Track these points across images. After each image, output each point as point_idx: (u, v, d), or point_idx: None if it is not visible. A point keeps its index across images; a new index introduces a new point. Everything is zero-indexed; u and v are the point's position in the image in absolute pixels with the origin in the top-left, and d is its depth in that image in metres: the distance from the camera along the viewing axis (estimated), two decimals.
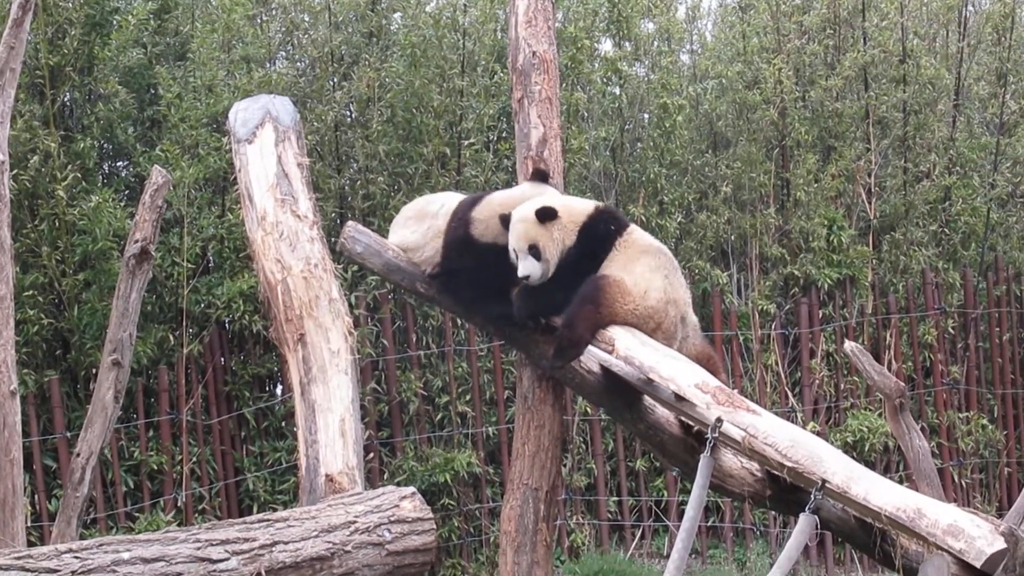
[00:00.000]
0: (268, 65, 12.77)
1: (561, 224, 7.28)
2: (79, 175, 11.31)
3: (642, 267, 7.22)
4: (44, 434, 11.10)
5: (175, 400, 11.44)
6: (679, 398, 6.80)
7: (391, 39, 12.80)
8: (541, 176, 7.59)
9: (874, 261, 13.12)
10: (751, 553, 12.13)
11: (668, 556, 7.51)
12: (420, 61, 12.34)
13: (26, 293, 10.92)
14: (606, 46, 13.71)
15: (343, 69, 12.58)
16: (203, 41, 12.03)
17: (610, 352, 7.11)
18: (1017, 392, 13.42)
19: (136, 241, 7.59)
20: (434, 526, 6.54)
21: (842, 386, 12.71)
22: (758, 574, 11.47)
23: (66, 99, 11.70)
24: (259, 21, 13.07)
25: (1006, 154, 13.82)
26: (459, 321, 11.71)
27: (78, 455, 7.67)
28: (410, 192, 11.82)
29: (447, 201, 7.85)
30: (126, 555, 5.65)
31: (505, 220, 7.36)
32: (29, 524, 10.06)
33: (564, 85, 12.20)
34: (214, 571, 5.77)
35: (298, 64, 13.10)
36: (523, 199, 7.52)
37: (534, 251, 7.23)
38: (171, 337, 11.46)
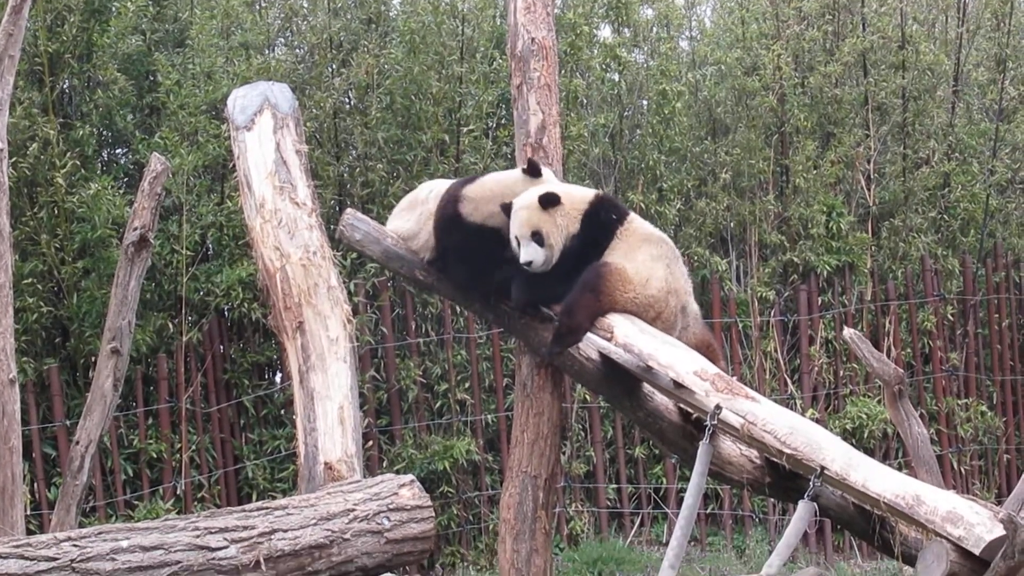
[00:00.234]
0: (267, 52, 12.77)
1: (564, 211, 7.26)
2: (78, 162, 11.31)
3: (644, 255, 7.20)
4: (43, 422, 11.11)
5: (174, 388, 11.45)
6: (678, 385, 6.79)
7: (390, 25, 12.80)
8: (534, 169, 7.55)
9: (873, 248, 13.12)
10: (750, 540, 12.15)
11: (667, 543, 7.53)
12: (419, 48, 12.33)
13: (25, 281, 10.92)
14: (605, 32, 13.70)
15: (342, 56, 12.56)
16: (202, 28, 12.03)
17: (609, 339, 7.11)
18: (1016, 379, 13.43)
19: (135, 229, 7.58)
20: (433, 514, 6.53)
21: (841, 373, 12.71)
22: (757, 561, 11.48)
23: (65, 86, 11.69)
24: (258, 8, 13.07)
25: (1005, 140, 13.82)
26: (458, 309, 11.71)
27: (77, 443, 7.68)
28: (409, 179, 11.82)
29: (436, 187, 7.84)
30: (125, 543, 5.65)
31: (506, 208, 7.34)
32: (28, 512, 10.08)
33: (563, 72, 12.19)
34: (213, 559, 5.77)
35: (297, 51, 13.09)
36: (517, 182, 7.51)
37: (537, 237, 7.20)
38: (170, 325, 11.47)
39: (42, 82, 11.31)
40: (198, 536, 5.80)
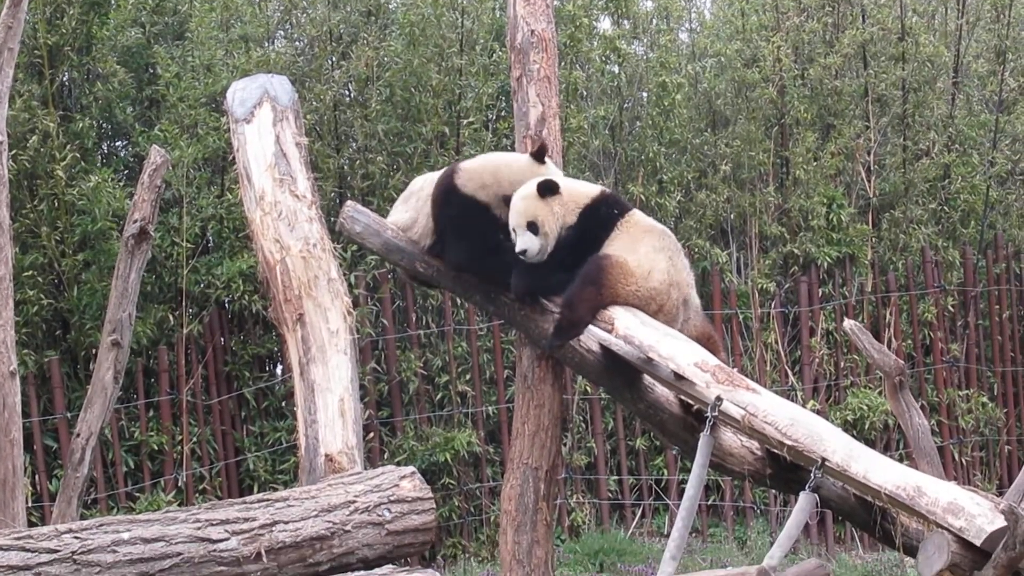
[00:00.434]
0: (266, 44, 12.76)
1: (562, 201, 7.24)
2: (78, 155, 11.31)
3: (645, 248, 7.18)
4: (44, 414, 11.11)
5: (175, 380, 11.45)
6: (678, 377, 6.79)
7: (390, 18, 12.79)
8: (540, 154, 7.56)
9: (873, 239, 13.12)
10: (751, 531, 12.15)
11: (668, 535, 7.52)
12: (419, 40, 12.32)
13: (26, 273, 10.92)
14: (605, 24, 13.70)
15: (342, 48, 12.56)
16: (201, 20, 12.03)
17: (609, 331, 7.10)
18: (1017, 370, 13.44)
19: (135, 221, 7.59)
20: (434, 505, 6.53)
21: (842, 364, 12.72)
22: (758, 552, 11.47)
23: (65, 79, 11.69)
24: (257, 0, 13.05)
25: (1005, 132, 13.82)
26: (459, 301, 11.71)
27: (78, 435, 7.68)
28: (409, 171, 11.81)
29: (430, 178, 7.84)
30: (126, 535, 5.65)
31: (507, 200, 7.34)
32: (30, 504, 10.08)
33: (563, 64, 12.18)
34: (214, 551, 5.77)
35: (296, 43, 13.09)
36: (516, 162, 7.53)
37: (532, 227, 7.20)
38: (171, 317, 11.46)
39: (42, 75, 11.30)
40: (199, 528, 5.81)
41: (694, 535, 12.05)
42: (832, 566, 11.51)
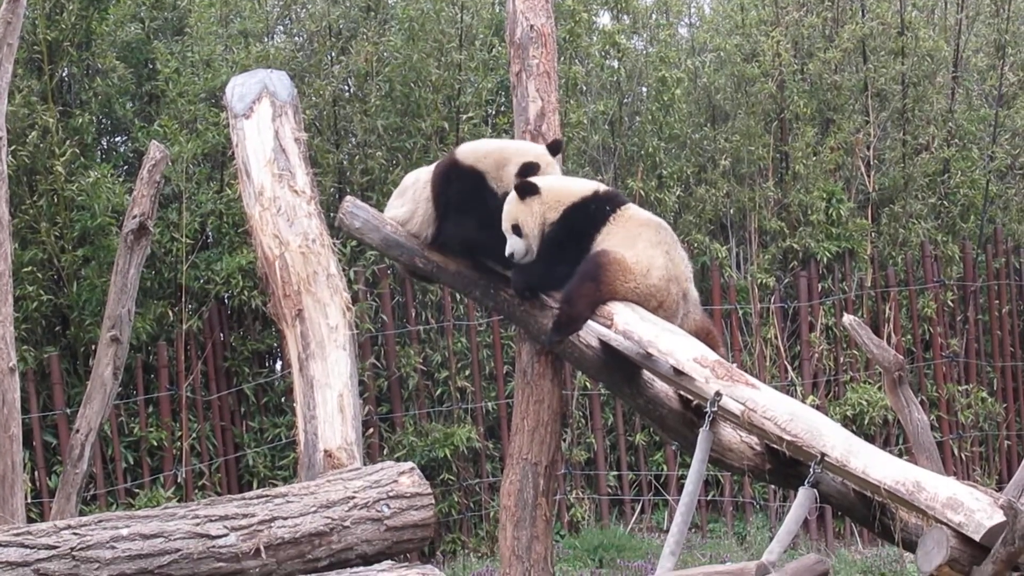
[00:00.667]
0: (266, 39, 12.75)
1: (542, 200, 7.26)
2: (77, 150, 11.30)
3: (643, 243, 7.17)
4: (43, 410, 11.11)
5: (174, 376, 11.45)
6: (678, 372, 6.79)
7: (389, 13, 12.78)
8: (555, 148, 7.60)
9: (873, 234, 13.11)
10: (751, 527, 12.15)
11: (668, 530, 7.52)
12: (418, 35, 12.31)
13: (25, 269, 10.92)
14: (604, 19, 13.69)
15: (341, 43, 12.55)
16: (201, 15, 12.02)
17: (609, 326, 7.10)
18: (1016, 365, 13.43)
19: (134, 216, 7.59)
20: (433, 501, 6.54)
21: (841, 359, 12.71)
22: (758, 548, 11.48)
23: (64, 74, 11.68)
24: None
25: (1005, 126, 13.81)
26: (458, 296, 11.71)
27: (77, 431, 7.68)
28: (408, 167, 11.78)
29: (423, 169, 7.86)
30: (125, 531, 5.66)
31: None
32: (29, 500, 10.09)
33: (562, 59, 12.18)
34: (213, 547, 5.78)
35: (296, 38, 13.08)
36: (514, 143, 7.62)
37: (516, 229, 7.25)
38: (170, 313, 11.46)
39: (41, 70, 11.30)
40: (198, 524, 5.81)
41: (693, 530, 12.05)
42: (831, 561, 11.50)
